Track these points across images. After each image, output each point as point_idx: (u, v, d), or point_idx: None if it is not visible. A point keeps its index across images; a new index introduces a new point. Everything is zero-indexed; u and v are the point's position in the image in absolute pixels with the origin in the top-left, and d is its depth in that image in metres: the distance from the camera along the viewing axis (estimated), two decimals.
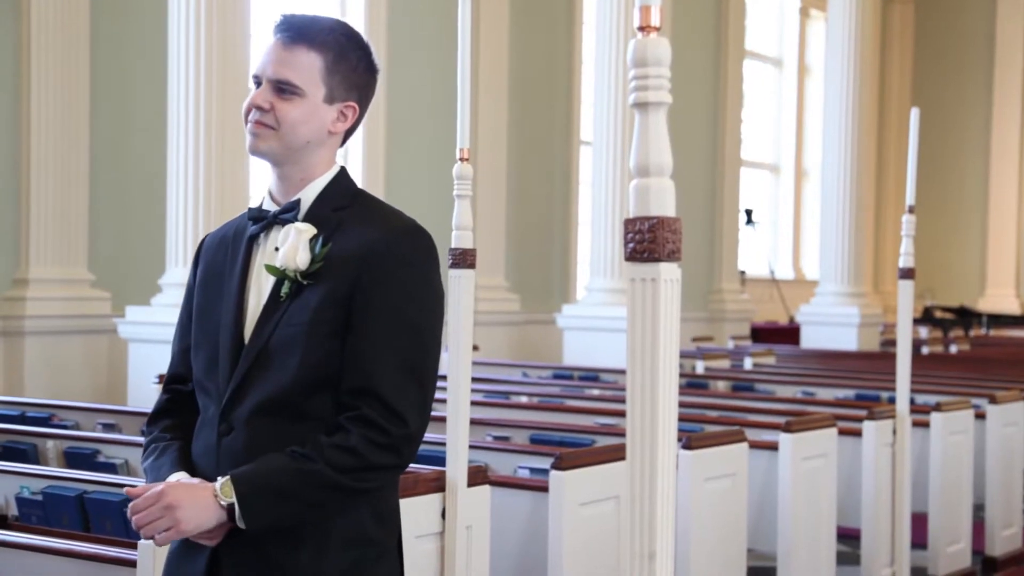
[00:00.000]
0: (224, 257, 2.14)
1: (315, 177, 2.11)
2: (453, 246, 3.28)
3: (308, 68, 2.06)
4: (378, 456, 1.98)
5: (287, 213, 2.08)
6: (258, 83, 2.08)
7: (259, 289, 2.08)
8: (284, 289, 2.04)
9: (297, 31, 2.07)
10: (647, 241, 1.52)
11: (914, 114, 5.13)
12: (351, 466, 1.97)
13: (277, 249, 2.07)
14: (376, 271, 2.01)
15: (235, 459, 2.01)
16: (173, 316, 7.73)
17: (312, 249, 2.03)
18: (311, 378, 2.01)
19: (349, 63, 2.10)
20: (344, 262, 2.02)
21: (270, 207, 2.12)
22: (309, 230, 2.05)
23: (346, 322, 2.01)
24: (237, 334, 2.07)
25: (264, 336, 2.03)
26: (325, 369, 2.01)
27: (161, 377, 6.21)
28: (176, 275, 7.12)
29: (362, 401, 1.99)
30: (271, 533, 2.00)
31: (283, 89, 2.06)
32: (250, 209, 2.15)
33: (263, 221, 2.10)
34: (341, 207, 2.09)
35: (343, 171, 2.15)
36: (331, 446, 1.97)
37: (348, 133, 2.16)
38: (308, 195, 2.10)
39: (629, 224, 1.53)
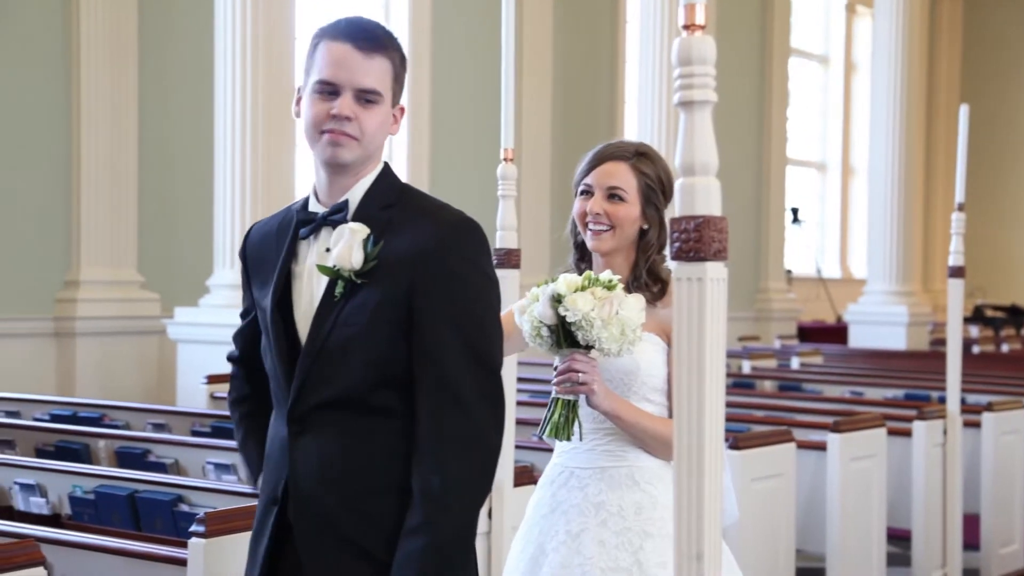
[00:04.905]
0: (271, 255, 2.16)
1: (362, 176, 2.12)
2: (497, 246, 3.29)
3: (384, 75, 2.08)
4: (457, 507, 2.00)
5: (336, 215, 2.09)
6: (331, 90, 2.06)
7: (311, 290, 2.09)
8: (338, 289, 2.05)
9: (373, 39, 2.08)
10: (693, 240, 1.51)
11: (963, 111, 5.07)
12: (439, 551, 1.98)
13: (328, 250, 2.07)
14: (433, 268, 2.02)
15: (308, 458, 2.06)
16: (221, 317, 7.78)
17: (365, 248, 2.04)
18: (373, 376, 2.03)
19: (405, 67, 2.14)
20: (399, 262, 2.03)
21: (316, 208, 2.13)
22: (362, 230, 2.06)
23: (407, 321, 2.02)
24: (290, 335, 2.10)
25: (321, 337, 2.05)
26: (387, 367, 2.03)
27: (210, 378, 6.26)
28: (224, 276, 7.18)
29: (437, 405, 2.00)
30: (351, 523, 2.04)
31: (369, 100, 2.07)
32: (298, 211, 2.15)
33: (312, 223, 2.11)
34: (389, 204, 2.10)
35: (387, 167, 2.16)
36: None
37: None
38: (355, 195, 2.11)
39: (675, 223, 1.52)
